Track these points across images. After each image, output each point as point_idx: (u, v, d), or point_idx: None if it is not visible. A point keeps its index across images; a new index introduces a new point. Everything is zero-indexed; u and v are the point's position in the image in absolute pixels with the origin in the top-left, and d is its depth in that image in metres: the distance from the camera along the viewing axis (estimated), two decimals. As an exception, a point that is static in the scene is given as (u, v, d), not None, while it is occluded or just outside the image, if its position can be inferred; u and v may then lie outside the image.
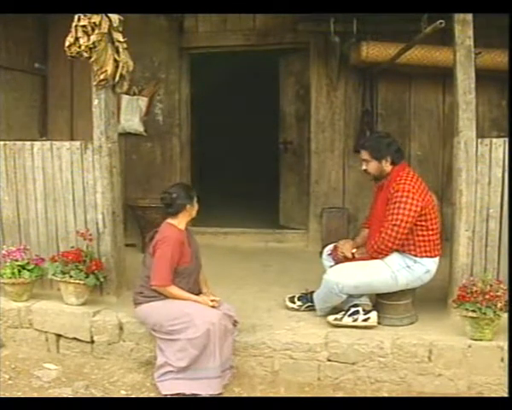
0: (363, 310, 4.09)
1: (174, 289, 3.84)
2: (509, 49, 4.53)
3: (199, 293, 4.01)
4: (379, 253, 4.04)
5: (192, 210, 4.02)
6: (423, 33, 4.41)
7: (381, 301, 4.20)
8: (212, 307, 3.83)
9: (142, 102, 6.80)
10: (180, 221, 3.97)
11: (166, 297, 3.85)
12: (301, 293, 4.56)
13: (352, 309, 4.10)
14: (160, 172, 6.92)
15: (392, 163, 4.11)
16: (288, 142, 7.22)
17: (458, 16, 4.02)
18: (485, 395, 3.74)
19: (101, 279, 4.46)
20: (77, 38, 4.25)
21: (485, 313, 3.72)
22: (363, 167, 4.23)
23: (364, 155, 4.19)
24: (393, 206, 3.96)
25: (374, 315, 4.08)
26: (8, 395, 3.75)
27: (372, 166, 4.17)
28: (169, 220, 3.97)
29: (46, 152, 4.69)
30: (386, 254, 4.04)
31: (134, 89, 6.68)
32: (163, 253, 3.82)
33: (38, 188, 4.72)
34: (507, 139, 4.12)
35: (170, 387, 3.73)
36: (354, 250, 4.27)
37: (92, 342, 4.28)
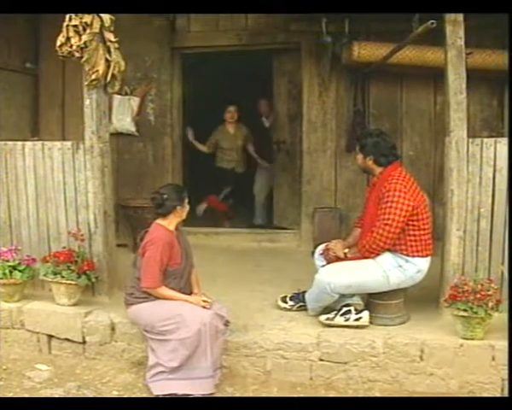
0: (355, 310, 4.10)
1: (165, 291, 3.84)
2: (508, 50, 4.53)
3: (190, 293, 4.00)
4: (371, 252, 4.05)
5: (182, 212, 4.00)
6: (415, 33, 4.42)
7: (373, 301, 4.21)
8: (204, 307, 3.83)
9: (134, 102, 6.78)
10: (170, 222, 3.96)
11: (157, 298, 3.85)
12: (293, 293, 4.56)
13: (344, 309, 4.11)
14: (152, 172, 6.90)
15: (376, 163, 4.15)
16: (280, 141, 7.23)
17: (449, 17, 4.04)
18: (477, 394, 3.76)
19: (93, 280, 4.46)
20: (68, 38, 4.24)
21: (476, 313, 3.73)
22: (357, 157, 4.35)
23: (357, 145, 4.31)
24: (385, 205, 3.98)
25: (366, 315, 4.09)
26: (-1, 395, 3.75)
27: (358, 159, 4.31)
28: (158, 221, 3.97)
29: (37, 152, 4.67)
30: (378, 254, 4.05)
31: (126, 89, 6.66)
32: (151, 255, 3.81)
33: (30, 188, 4.71)
34: (499, 139, 4.15)
35: (162, 387, 3.72)
36: (346, 250, 4.27)
37: (84, 342, 4.27)
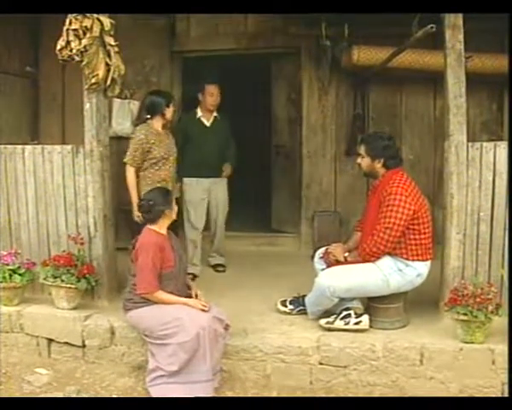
0: (355, 313, 4.10)
1: (162, 295, 3.83)
2: (508, 50, 4.53)
3: (187, 296, 4.00)
4: (371, 256, 4.05)
5: (171, 213, 4.02)
6: (414, 37, 4.43)
7: (373, 305, 4.21)
8: (202, 310, 3.82)
9: (134, 105, 6.77)
10: (161, 226, 3.97)
11: (156, 303, 3.85)
12: (293, 296, 4.56)
13: (344, 313, 4.11)
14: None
15: (385, 166, 4.14)
16: (280, 145, 7.23)
17: (449, 21, 4.04)
18: (477, 397, 3.76)
19: (93, 283, 4.45)
20: (68, 42, 4.25)
21: (476, 316, 3.73)
22: (358, 160, 4.28)
23: (361, 149, 4.24)
24: (386, 209, 3.98)
25: (365, 318, 4.08)
26: (-2, 400, 3.73)
27: (365, 162, 4.23)
28: (149, 226, 3.98)
29: (37, 156, 4.68)
30: (378, 257, 4.05)
31: (126, 92, 6.65)
32: (143, 260, 3.82)
33: (30, 192, 4.71)
34: (498, 143, 4.15)
35: (161, 391, 3.71)
36: (346, 254, 4.27)
37: (84, 346, 4.26)
